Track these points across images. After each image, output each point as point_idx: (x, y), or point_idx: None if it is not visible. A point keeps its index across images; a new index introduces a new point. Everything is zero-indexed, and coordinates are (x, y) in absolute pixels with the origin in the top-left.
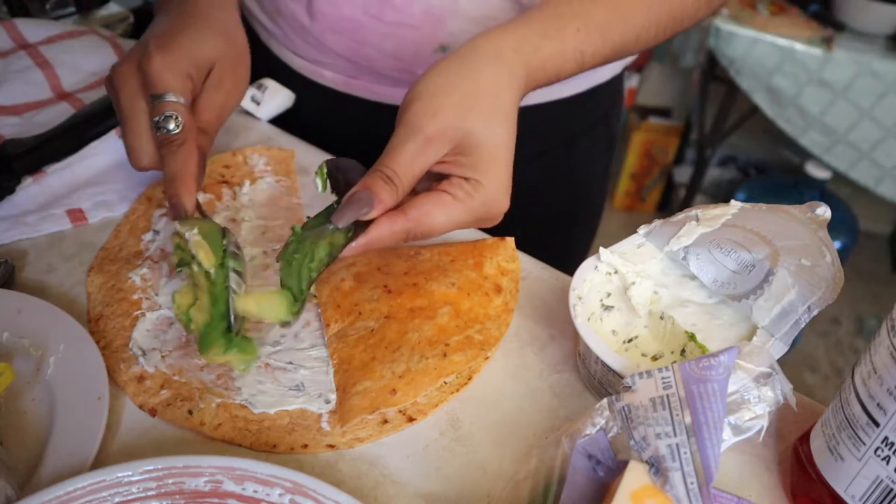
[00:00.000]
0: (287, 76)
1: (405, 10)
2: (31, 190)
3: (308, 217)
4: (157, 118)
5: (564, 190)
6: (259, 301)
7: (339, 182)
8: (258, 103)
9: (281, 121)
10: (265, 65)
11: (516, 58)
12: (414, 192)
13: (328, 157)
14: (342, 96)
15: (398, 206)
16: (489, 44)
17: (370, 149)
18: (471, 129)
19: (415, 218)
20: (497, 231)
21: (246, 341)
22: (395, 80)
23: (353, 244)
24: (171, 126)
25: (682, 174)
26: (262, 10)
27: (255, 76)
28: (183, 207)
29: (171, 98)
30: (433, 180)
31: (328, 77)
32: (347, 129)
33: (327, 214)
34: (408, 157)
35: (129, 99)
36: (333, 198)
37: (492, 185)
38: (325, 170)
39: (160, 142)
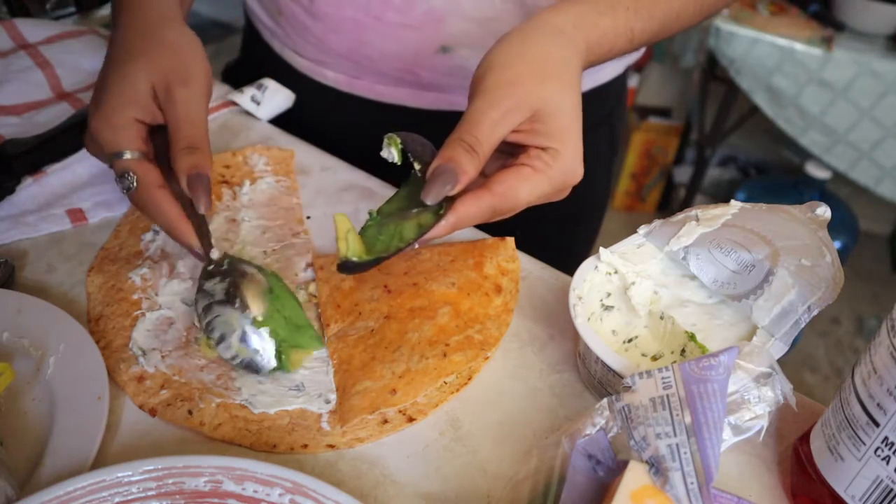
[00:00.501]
0: (289, 76)
1: (407, 11)
2: (31, 190)
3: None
4: (116, 180)
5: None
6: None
7: (419, 153)
8: (258, 103)
9: (281, 121)
10: (267, 64)
11: (577, 33)
12: (482, 174)
13: (329, 157)
14: (344, 96)
15: (482, 184)
16: (550, 21)
17: (373, 147)
18: (547, 97)
19: (500, 193)
20: (497, 231)
21: (286, 356)
22: (397, 80)
23: (443, 223)
24: (126, 184)
25: (682, 174)
26: (264, 10)
27: (258, 76)
28: (193, 251)
29: (122, 156)
30: (505, 152)
31: (330, 77)
32: (349, 128)
33: (403, 197)
34: (489, 126)
35: (102, 161)
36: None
37: (568, 153)
38: (398, 140)
39: (132, 202)
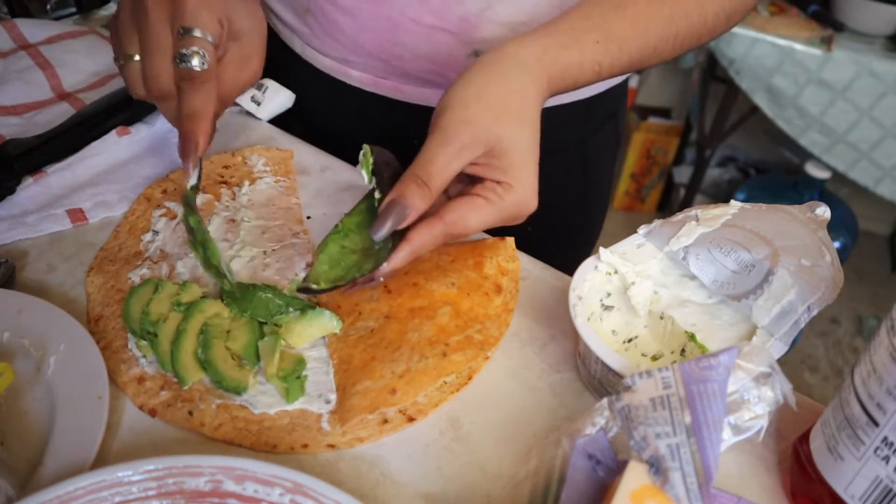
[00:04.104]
0: (310, 76)
1: (443, 14)
2: (31, 190)
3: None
4: (183, 51)
5: (578, 183)
6: (305, 326)
7: (384, 177)
8: (258, 103)
9: (296, 120)
10: (286, 65)
11: (539, 67)
12: (445, 194)
13: (329, 157)
14: (369, 96)
15: (435, 211)
16: (514, 53)
17: (396, 149)
18: (502, 134)
19: (451, 222)
20: (505, 228)
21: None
22: (424, 81)
23: (400, 254)
24: (195, 62)
25: (682, 174)
26: (288, 9)
27: (275, 76)
28: (197, 144)
29: (200, 34)
30: (464, 181)
31: (355, 77)
32: (372, 128)
33: (364, 210)
34: (443, 162)
35: (157, 22)
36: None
37: (522, 187)
38: (370, 159)
39: (181, 75)
